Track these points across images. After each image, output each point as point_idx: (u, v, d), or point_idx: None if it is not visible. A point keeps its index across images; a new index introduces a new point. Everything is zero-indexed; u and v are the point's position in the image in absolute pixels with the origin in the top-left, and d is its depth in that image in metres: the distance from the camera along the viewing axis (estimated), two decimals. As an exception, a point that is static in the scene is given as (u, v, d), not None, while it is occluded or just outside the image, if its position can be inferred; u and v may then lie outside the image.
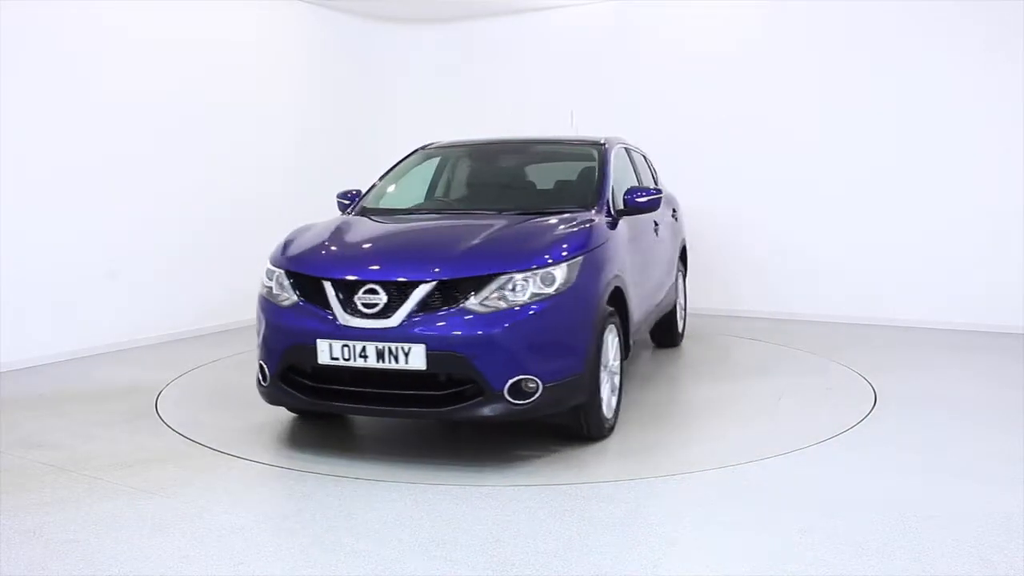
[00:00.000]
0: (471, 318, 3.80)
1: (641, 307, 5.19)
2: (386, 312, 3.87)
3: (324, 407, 4.23)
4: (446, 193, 5.66)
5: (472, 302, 3.84)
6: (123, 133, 6.94)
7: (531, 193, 5.52)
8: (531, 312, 3.84)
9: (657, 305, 5.84)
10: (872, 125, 7.67)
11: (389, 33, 9.63)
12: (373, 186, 5.56)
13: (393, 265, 4.05)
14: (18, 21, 6.18)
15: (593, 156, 5.34)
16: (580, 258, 4.11)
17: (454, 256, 4.02)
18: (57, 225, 6.50)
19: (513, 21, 9.37)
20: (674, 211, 6.67)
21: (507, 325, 3.79)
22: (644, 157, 6.53)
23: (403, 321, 3.84)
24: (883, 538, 3.14)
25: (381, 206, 5.28)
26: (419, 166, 5.78)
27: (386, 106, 9.63)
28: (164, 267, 7.28)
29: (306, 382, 4.11)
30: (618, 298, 4.54)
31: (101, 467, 4.08)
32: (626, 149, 5.91)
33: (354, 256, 4.26)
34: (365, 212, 5.15)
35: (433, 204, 5.50)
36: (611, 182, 5.02)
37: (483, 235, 4.22)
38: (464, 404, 3.84)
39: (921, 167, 7.52)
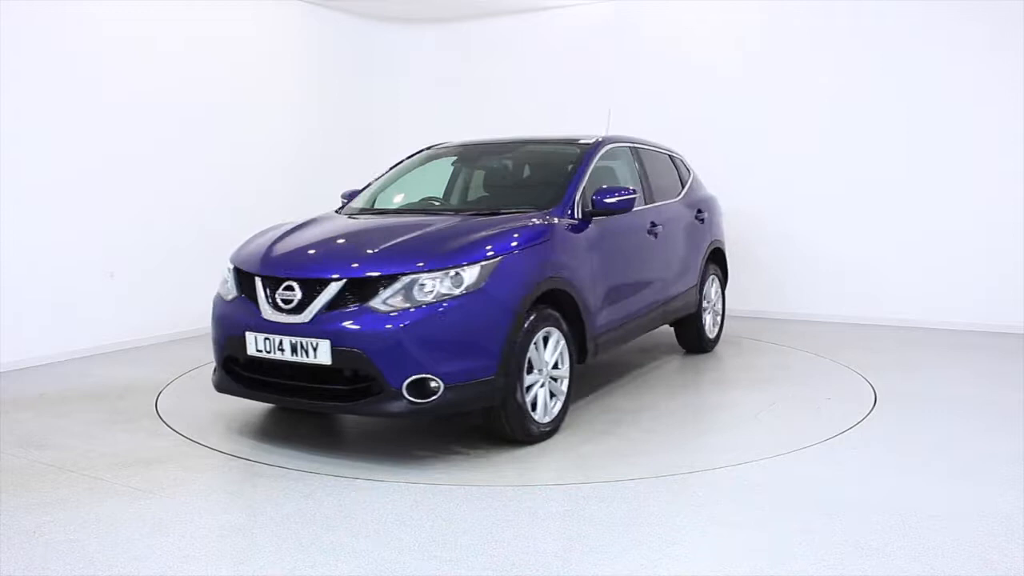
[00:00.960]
0: (373, 316, 3.89)
1: (616, 311, 5.05)
2: (300, 308, 4.03)
3: (253, 396, 4.38)
4: (426, 194, 5.68)
5: (376, 301, 3.92)
6: (123, 133, 6.95)
7: (499, 194, 5.48)
8: (434, 312, 3.88)
9: (655, 309, 5.66)
10: (872, 125, 7.68)
11: (389, 33, 9.64)
12: (368, 185, 5.71)
13: (312, 264, 4.20)
14: (17, 22, 6.19)
15: (572, 156, 5.24)
16: (497, 260, 4.08)
17: (366, 256, 4.13)
18: (57, 225, 6.51)
19: (513, 21, 9.37)
20: (699, 212, 6.41)
21: (406, 324, 3.84)
22: (671, 157, 6.47)
23: (313, 317, 3.98)
24: (883, 538, 3.14)
25: (365, 206, 5.45)
26: (418, 167, 5.83)
27: (386, 106, 9.63)
28: (164, 267, 7.29)
29: (242, 372, 4.34)
30: (565, 300, 4.50)
31: (101, 467, 4.08)
32: (634, 149, 5.85)
33: (284, 254, 4.38)
34: (349, 211, 5.32)
35: (412, 204, 5.50)
36: (582, 183, 4.91)
37: (408, 235, 4.29)
38: (366, 400, 3.94)
39: (921, 168, 7.52)
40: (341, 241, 4.47)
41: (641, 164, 5.85)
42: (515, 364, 4.08)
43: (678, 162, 6.57)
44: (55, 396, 5.49)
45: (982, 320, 7.35)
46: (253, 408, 5.11)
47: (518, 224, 4.40)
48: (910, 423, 4.69)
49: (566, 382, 4.51)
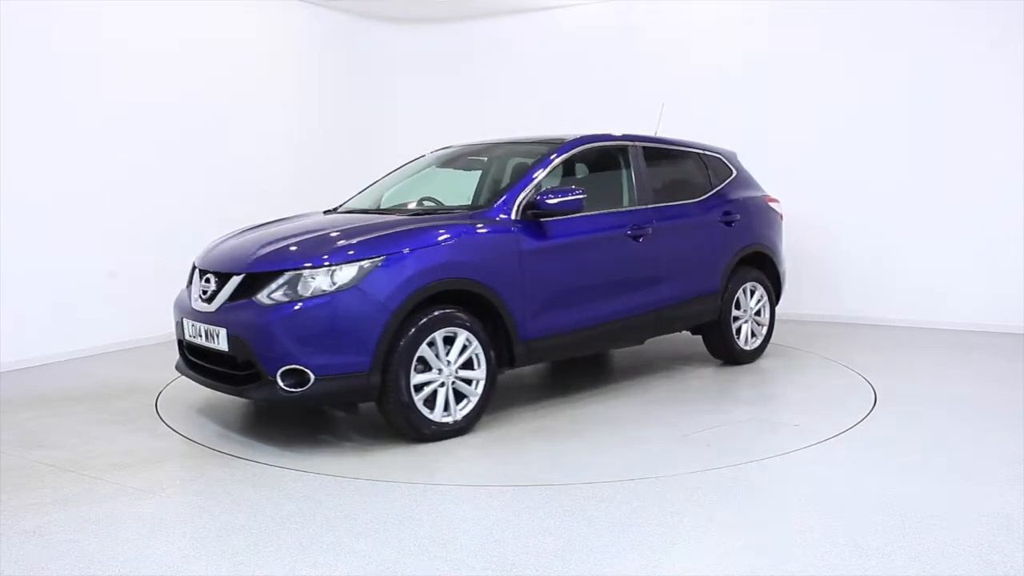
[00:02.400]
0: (257, 309, 4.19)
1: (568, 316, 4.93)
2: (211, 299, 4.44)
3: (192, 377, 4.73)
4: (406, 195, 5.69)
5: (262, 295, 4.21)
6: (123, 133, 6.95)
7: (456, 196, 5.47)
8: (308, 307, 4.10)
9: (641, 316, 5.39)
10: (871, 126, 7.68)
11: (389, 33, 9.63)
12: (368, 187, 5.85)
13: (227, 259, 4.57)
14: (18, 22, 6.19)
15: (536, 156, 5.18)
16: (379, 259, 4.19)
17: (264, 253, 4.41)
18: (57, 225, 6.51)
19: (513, 21, 9.37)
20: (727, 213, 6.01)
21: (280, 317, 4.10)
22: (702, 156, 6.14)
23: (218, 308, 4.38)
24: (883, 538, 3.14)
25: (348, 206, 5.64)
26: (417, 169, 5.89)
27: (386, 107, 9.63)
28: (164, 267, 7.27)
29: (187, 355, 4.80)
30: (483, 303, 4.52)
31: (101, 467, 4.08)
32: (630, 148, 5.61)
33: (217, 249, 4.83)
34: (333, 211, 5.55)
35: (385, 205, 5.53)
36: (530, 185, 4.87)
37: (315, 234, 4.52)
38: (252, 386, 4.25)
39: (921, 168, 7.52)
40: (262, 239, 4.68)
41: (638, 164, 5.61)
42: (398, 361, 4.19)
43: (714, 161, 6.24)
44: (55, 396, 5.49)
45: (982, 320, 7.35)
46: (253, 408, 5.11)
47: (422, 225, 4.49)
48: (910, 423, 4.69)
49: (482, 384, 4.52)
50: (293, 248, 4.39)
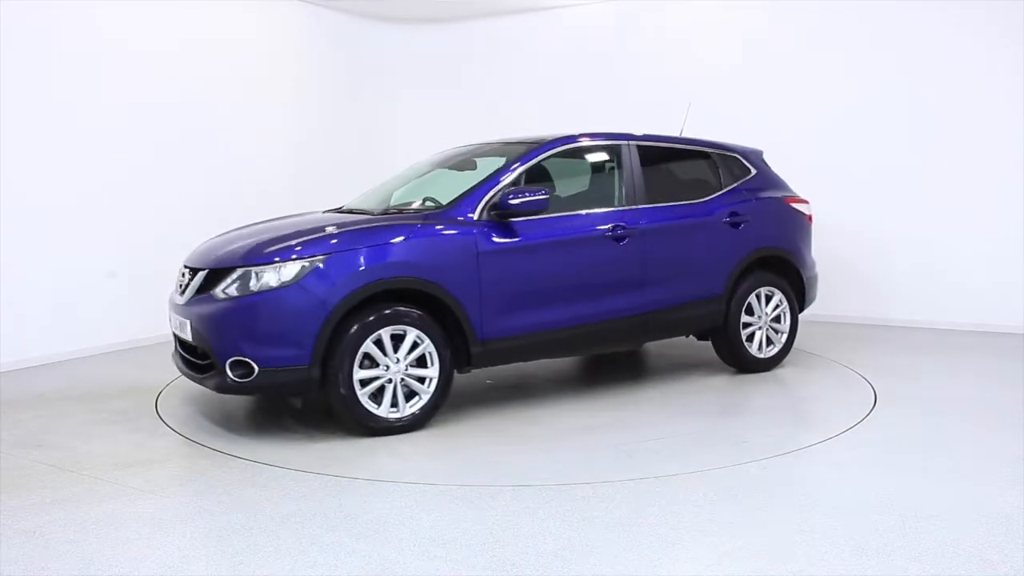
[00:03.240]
0: (211, 303, 4.47)
1: (535, 318, 4.90)
2: (184, 291, 4.73)
3: (176, 365, 4.99)
4: (411, 195, 5.67)
5: (218, 289, 4.47)
6: (123, 133, 6.95)
7: (435, 197, 5.43)
8: (253, 302, 4.34)
9: (625, 320, 5.26)
10: (871, 125, 7.67)
11: (389, 33, 9.63)
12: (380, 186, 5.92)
13: (200, 255, 4.89)
14: (18, 23, 6.19)
15: (510, 157, 5.16)
16: (321, 257, 4.37)
17: (225, 249, 4.71)
18: (57, 225, 6.51)
19: (513, 21, 9.37)
20: (734, 215, 5.72)
21: (229, 310, 4.38)
22: (712, 156, 5.91)
23: (188, 300, 4.65)
24: (883, 538, 3.14)
25: (349, 206, 5.69)
26: (413, 172, 5.91)
27: (386, 107, 9.63)
28: (164, 267, 7.25)
29: (176, 346, 5.03)
30: (436, 303, 4.59)
31: (101, 467, 4.08)
32: (623, 147, 5.49)
33: (202, 245, 5.10)
34: (336, 210, 5.64)
35: (395, 203, 5.53)
36: (496, 184, 4.90)
37: (276, 233, 4.71)
38: (208, 374, 4.51)
39: (921, 168, 7.52)
40: (235, 237, 4.92)
41: (630, 164, 5.46)
42: (339, 356, 4.34)
43: (728, 160, 5.99)
44: (55, 396, 5.49)
45: (982, 320, 7.35)
46: (252, 408, 5.11)
47: (374, 225, 4.61)
48: (910, 423, 4.69)
49: (435, 382, 4.58)
50: (250, 246, 4.58)
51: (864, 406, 5.00)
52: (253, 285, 4.35)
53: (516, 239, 4.84)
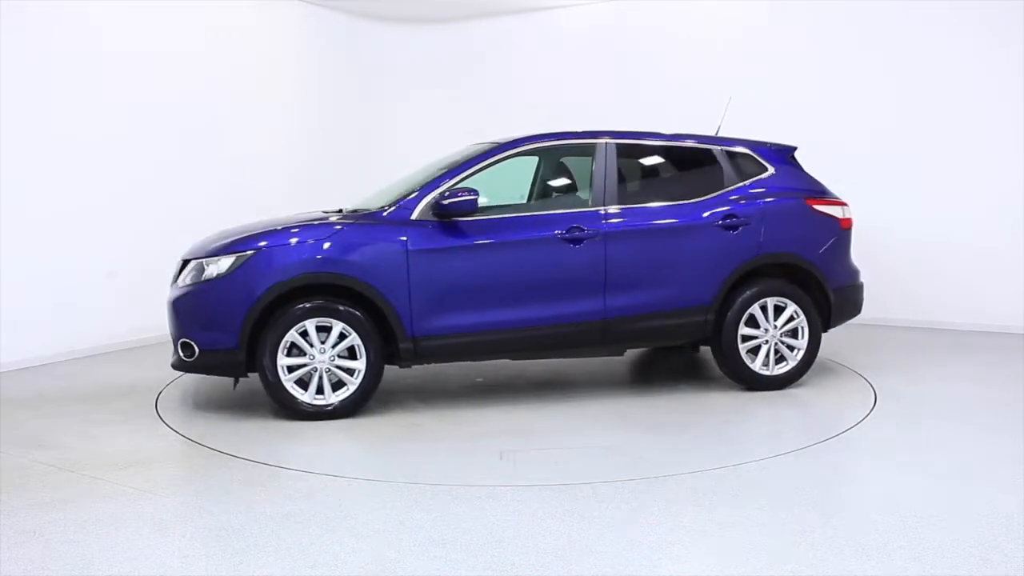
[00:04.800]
0: (175, 291, 5.01)
1: (474, 318, 4.92)
2: (174, 280, 5.16)
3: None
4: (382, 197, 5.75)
5: (180, 278, 5.01)
6: (123, 133, 6.95)
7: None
8: (195, 290, 4.87)
9: (584, 324, 5.09)
10: (871, 125, 7.67)
11: (389, 33, 9.63)
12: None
13: (190, 250, 5.19)
14: (18, 23, 6.18)
15: (468, 158, 5.22)
16: (250, 253, 4.79)
17: (196, 243, 5.21)
18: (57, 225, 6.51)
19: (514, 21, 9.37)
20: (731, 217, 5.29)
21: (176, 297, 4.95)
22: (715, 153, 5.52)
23: (171, 288, 5.12)
24: (883, 538, 3.14)
25: (355, 206, 5.69)
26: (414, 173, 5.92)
27: (386, 107, 9.63)
28: (164, 267, 7.25)
29: None
30: (363, 300, 4.83)
31: (101, 467, 4.08)
32: (601, 146, 5.30)
33: (197, 242, 5.35)
34: (337, 211, 5.66)
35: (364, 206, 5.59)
36: (441, 184, 4.99)
37: (246, 230, 5.06)
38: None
39: (921, 168, 7.53)
40: (220, 234, 5.23)
41: (605, 163, 5.26)
42: (264, 344, 4.75)
43: (736, 159, 5.57)
44: (55, 396, 5.49)
45: (982, 320, 7.35)
46: (252, 408, 5.11)
47: (306, 223, 4.96)
48: (910, 423, 4.69)
49: (362, 373, 4.85)
50: (211, 241, 5.06)
51: (864, 406, 5.00)
52: (200, 276, 4.87)
53: (455, 239, 4.93)
